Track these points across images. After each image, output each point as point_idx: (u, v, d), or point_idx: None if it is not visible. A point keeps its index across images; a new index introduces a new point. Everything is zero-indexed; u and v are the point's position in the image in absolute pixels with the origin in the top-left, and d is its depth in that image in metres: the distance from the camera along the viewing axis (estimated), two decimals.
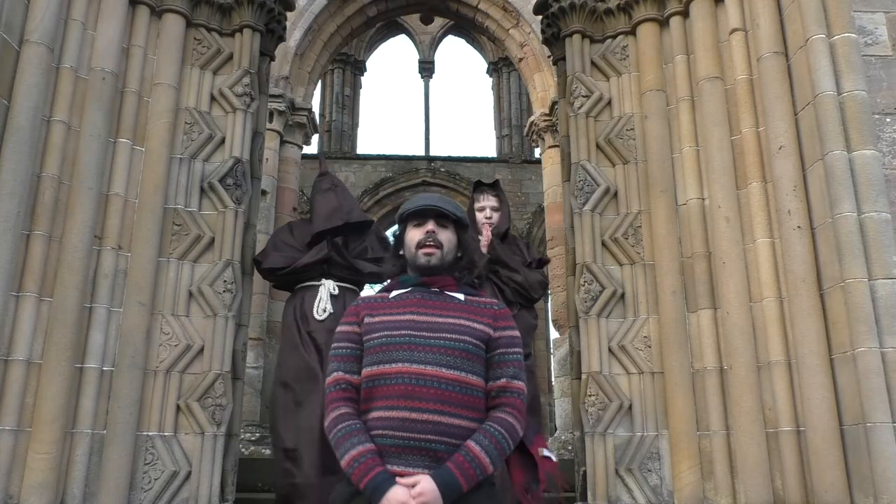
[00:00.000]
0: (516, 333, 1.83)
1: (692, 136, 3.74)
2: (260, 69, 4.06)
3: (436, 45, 15.04)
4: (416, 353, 1.68)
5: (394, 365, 1.68)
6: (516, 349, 1.80)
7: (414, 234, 1.84)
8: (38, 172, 3.27)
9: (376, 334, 1.74)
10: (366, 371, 1.72)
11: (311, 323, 3.61)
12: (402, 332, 1.72)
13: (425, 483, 1.57)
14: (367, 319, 1.78)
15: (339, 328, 1.83)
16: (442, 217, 1.84)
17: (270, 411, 3.75)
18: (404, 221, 1.89)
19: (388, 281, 1.92)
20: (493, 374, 1.74)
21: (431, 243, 1.80)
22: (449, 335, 1.72)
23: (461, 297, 1.83)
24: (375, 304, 1.82)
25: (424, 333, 1.71)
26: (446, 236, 1.84)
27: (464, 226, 1.89)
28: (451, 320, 1.75)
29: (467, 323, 1.75)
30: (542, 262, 3.93)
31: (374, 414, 1.68)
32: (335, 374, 1.77)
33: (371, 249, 3.83)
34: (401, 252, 1.89)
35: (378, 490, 1.58)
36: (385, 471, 1.60)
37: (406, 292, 1.82)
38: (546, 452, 1.80)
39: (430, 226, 1.81)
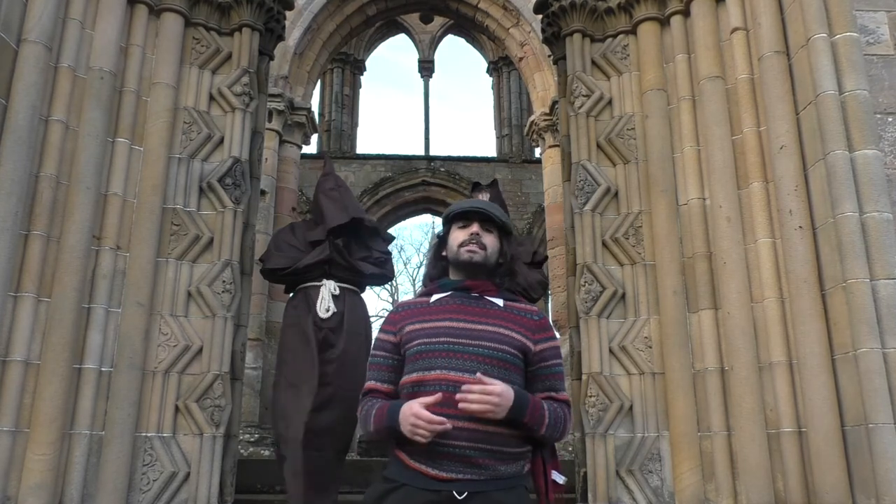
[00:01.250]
0: (557, 343, 1.86)
1: (693, 135, 3.73)
2: (259, 68, 4.05)
3: (435, 44, 15.03)
4: (455, 360, 1.70)
5: (433, 372, 1.70)
6: (558, 360, 1.83)
7: (458, 235, 1.85)
8: (36, 172, 3.26)
9: (416, 342, 1.76)
10: (406, 378, 1.75)
11: (313, 322, 3.60)
12: (441, 339, 1.73)
13: (506, 386, 1.62)
14: (407, 328, 1.79)
15: (378, 335, 1.86)
16: (487, 221, 1.85)
17: (272, 410, 3.74)
18: (449, 223, 1.90)
19: (429, 284, 1.92)
20: (539, 386, 1.78)
21: (475, 243, 1.82)
22: (487, 343, 1.73)
23: (500, 302, 1.83)
24: (415, 311, 1.83)
25: (463, 340, 1.73)
26: (490, 240, 1.85)
27: (507, 233, 1.91)
28: (489, 328, 1.76)
29: (505, 332, 1.76)
30: (540, 261, 3.90)
31: None
32: (368, 382, 1.83)
33: (374, 249, 3.83)
34: (443, 253, 1.90)
35: (394, 414, 1.65)
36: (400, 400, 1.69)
37: (446, 297, 1.83)
38: (557, 476, 1.81)
39: (475, 228, 1.83)
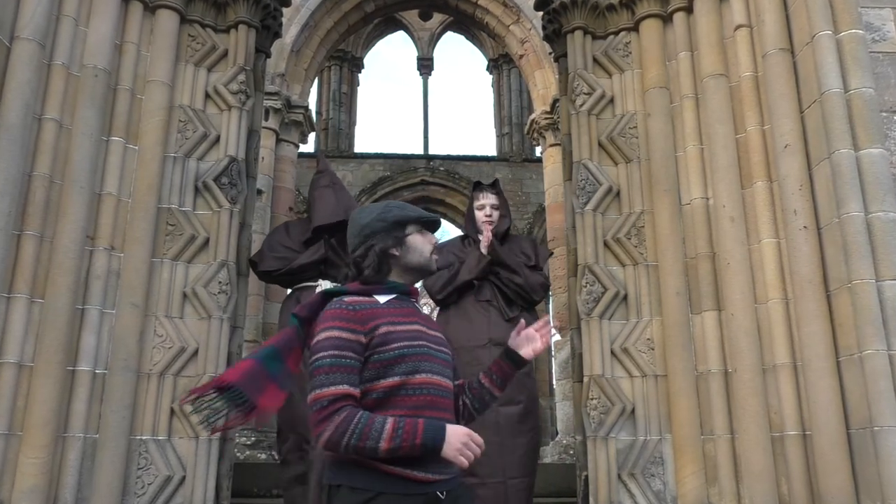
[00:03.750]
0: None
1: (696, 134, 3.69)
2: (255, 66, 4.01)
3: (435, 41, 14.98)
4: (433, 364, 1.72)
5: (418, 376, 1.67)
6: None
7: (426, 244, 1.87)
8: (29, 171, 3.21)
9: (395, 345, 1.67)
10: (382, 382, 1.64)
11: None
12: (419, 342, 1.73)
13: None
14: (382, 329, 1.68)
15: (339, 334, 1.65)
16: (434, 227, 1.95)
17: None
18: (408, 225, 1.84)
19: (362, 284, 1.83)
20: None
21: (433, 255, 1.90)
22: (444, 348, 1.80)
23: (426, 309, 1.98)
24: (378, 311, 1.73)
25: (433, 345, 1.76)
26: None
27: None
28: (438, 334, 1.84)
29: (443, 336, 1.87)
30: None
31: None
32: (339, 387, 1.61)
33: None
34: (395, 253, 1.82)
35: (440, 432, 1.60)
36: (430, 417, 1.64)
37: (393, 299, 1.79)
38: None
39: (432, 236, 1.91)
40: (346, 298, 1.73)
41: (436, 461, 1.60)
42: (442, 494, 1.61)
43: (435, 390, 1.68)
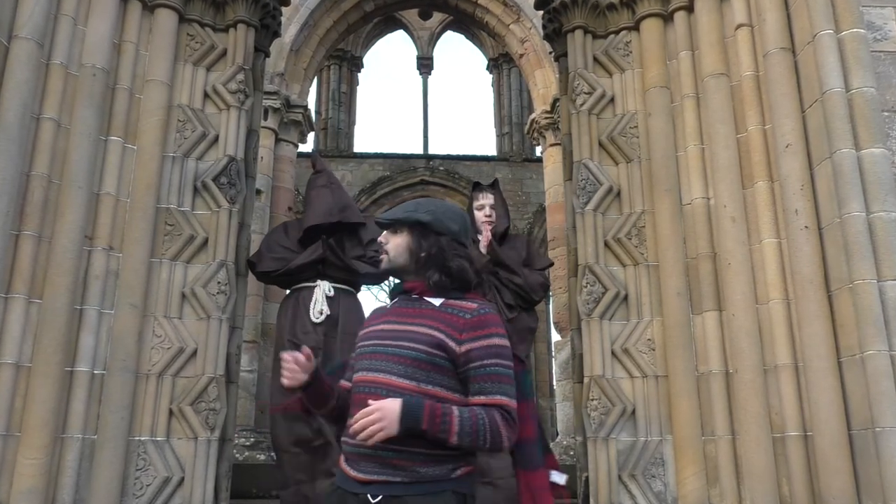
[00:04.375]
0: (492, 342, 1.65)
1: (697, 133, 3.68)
2: (254, 65, 3.99)
3: (434, 41, 14.97)
4: (376, 361, 1.68)
5: (357, 374, 1.72)
6: (491, 360, 1.63)
7: None
8: (27, 171, 3.20)
9: (357, 345, 1.79)
10: (346, 383, 1.80)
11: (306, 325, 3.54)
12: (370, 342, 1.74)
13: (389, 400, 1.55)
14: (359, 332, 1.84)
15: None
16: (390, 225, 1.81)
17: (271, 414, 3.68)
18: None
19: None
20: (471, 389, 1.64)
21: (382, 252, 1.85)
22: (406, 343, 1.64)
23: (437, 302, 1.72)
24: (372, 315, 1.87)
25: (386, 342, 1.69)
26: (395, 242, 1.79)
27: (423, 225, 1.76)
28: (413, 328, 1.67)
29: (428, 331, 1.64)
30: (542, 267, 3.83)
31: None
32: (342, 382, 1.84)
33: (369, 249, 3.76)
34: None
35: None
36: None
37: (395, 301, 1.83)
38: (556, 477, 1.73)
39: (380, 237, 1.87)
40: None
41: (368, 460, 1.57)
42: (373, 498, 1.55)
43: (369, 388, 1.63)
